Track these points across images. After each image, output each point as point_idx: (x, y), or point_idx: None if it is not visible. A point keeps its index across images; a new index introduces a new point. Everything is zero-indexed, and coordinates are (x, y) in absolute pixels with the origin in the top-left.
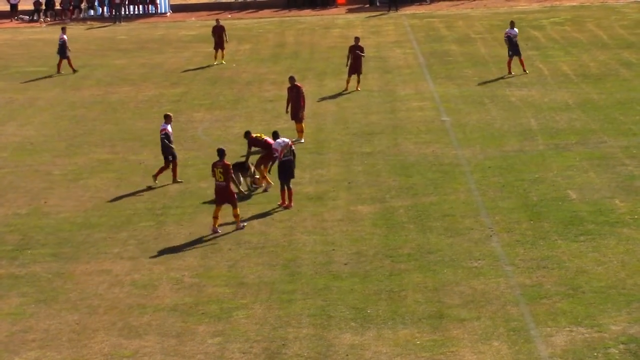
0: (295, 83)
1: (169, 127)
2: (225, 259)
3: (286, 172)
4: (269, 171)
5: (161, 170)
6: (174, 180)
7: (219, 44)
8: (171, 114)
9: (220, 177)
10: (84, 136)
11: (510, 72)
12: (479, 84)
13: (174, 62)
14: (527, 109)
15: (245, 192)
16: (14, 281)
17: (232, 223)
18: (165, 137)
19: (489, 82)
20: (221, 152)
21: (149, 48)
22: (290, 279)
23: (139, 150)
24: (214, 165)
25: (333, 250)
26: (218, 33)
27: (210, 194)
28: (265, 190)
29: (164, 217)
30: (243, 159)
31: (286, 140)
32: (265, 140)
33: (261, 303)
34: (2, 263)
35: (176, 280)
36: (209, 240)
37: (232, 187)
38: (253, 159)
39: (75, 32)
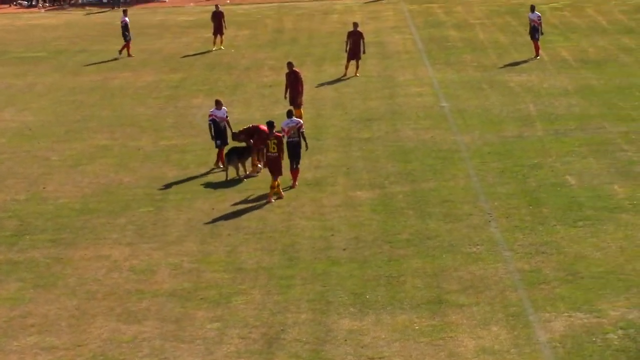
0: (294, 68)
1: (220, 112)
2: (224, 245)
3: (291, 152)
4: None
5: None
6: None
7: (218, 30)
8: (221, 99)
9: (274, 149)
10: (83, 122)
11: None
12: (478, 70)
13: (173, 48)
14: (526, 94)
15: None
16: (12, 267)
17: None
18: (213, 122)
19: (488, 67)
20: (272, 125)
21: (148, 34)
22: (288, 264)
23: (138, 136)
24: (267, 138)
25: (332, 235)
26: (217, 18)
27: (210, 179)
28: (250, 176)
29: (162, 202)
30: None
31: (296, 120)
32: (253, 126)
33: (260, 288)
34: (0, 249)
35: (175, 265)
36: (208, 225)
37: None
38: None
39: (74, 18)
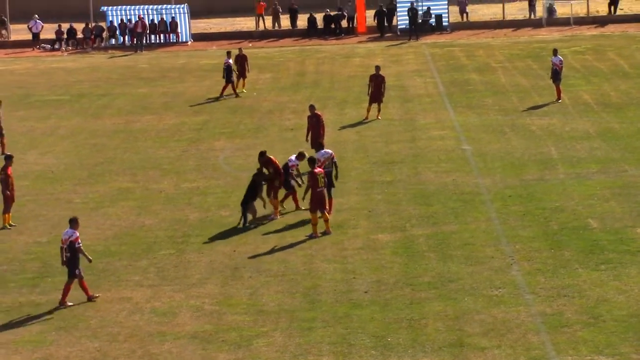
0: (315, 111)
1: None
2: (246, 287)
3: (327, 183)
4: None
5: (287, 195)
6: (297, 207)
7: (242, 73)
8: (305, 153)
9: (323, 183)
10: (105, 165)
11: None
12: (500, 113)
13: (195, 91)
14: (548, 137)
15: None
16: (34, 308)
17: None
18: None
19: (509, 111)
20: (313, 160)
21: (170, 77)
22: (310, 306)
23: (160, 179)
24: (317, 174)
25: (353, 278)
26: (241, 62)
27: (231, 221)
28: (273, 218)
29: (184, 245)
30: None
31: (329, 151)
32: (278, 165)
33: (281, 331)
34: (22, 291)
35: (196, 307)
36: (229, 268)
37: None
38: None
39: (97, 61)
